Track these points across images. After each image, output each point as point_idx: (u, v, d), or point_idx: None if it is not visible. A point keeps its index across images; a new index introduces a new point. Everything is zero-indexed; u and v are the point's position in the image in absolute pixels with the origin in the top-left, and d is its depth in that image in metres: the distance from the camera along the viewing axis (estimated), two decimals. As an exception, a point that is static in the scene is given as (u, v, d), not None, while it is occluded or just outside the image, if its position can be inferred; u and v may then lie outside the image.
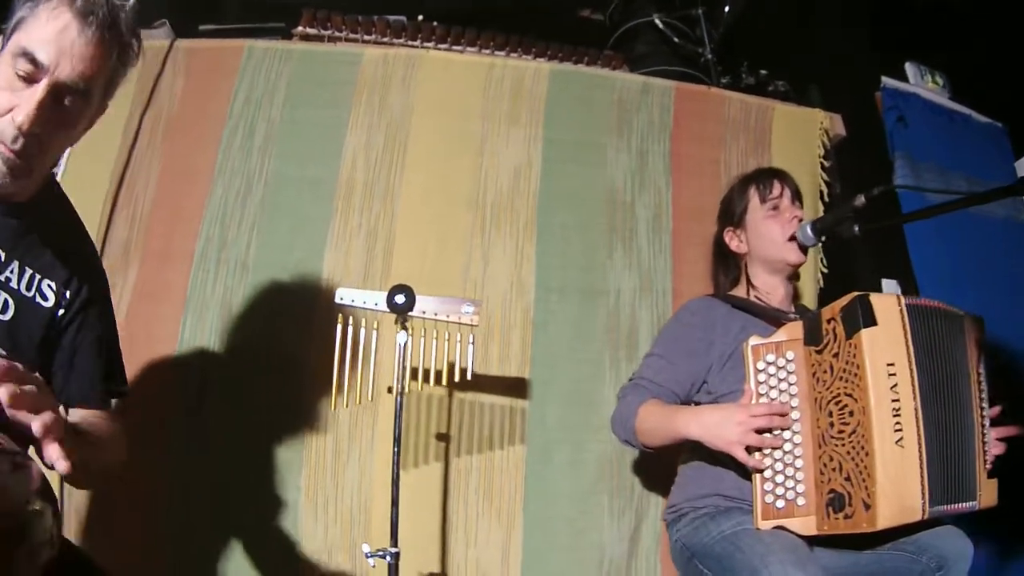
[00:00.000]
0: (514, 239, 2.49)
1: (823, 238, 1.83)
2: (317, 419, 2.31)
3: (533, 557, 2.24)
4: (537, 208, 2.51)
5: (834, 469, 1.51)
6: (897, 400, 1.47)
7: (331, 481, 2.30)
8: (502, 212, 2.51)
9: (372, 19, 2.80)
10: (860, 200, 1.67)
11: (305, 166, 2.55)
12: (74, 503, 2.29)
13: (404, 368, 1.88)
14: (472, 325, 1.95)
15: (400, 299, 1.84)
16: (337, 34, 2.74)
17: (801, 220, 1.92)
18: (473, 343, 1.99)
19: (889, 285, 2.81)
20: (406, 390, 1.88)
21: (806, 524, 1.55)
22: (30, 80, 1.21)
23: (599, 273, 2.47)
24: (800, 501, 1.56)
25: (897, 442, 1.45)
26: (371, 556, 1.78)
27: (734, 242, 2.05)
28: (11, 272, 1.31)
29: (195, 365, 2.38)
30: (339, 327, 1.96)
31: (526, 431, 2.32)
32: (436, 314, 1.94)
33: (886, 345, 1.50)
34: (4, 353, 1.26)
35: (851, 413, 1.49)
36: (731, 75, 3.04)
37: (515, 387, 2.34)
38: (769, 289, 2.00)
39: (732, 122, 2.64)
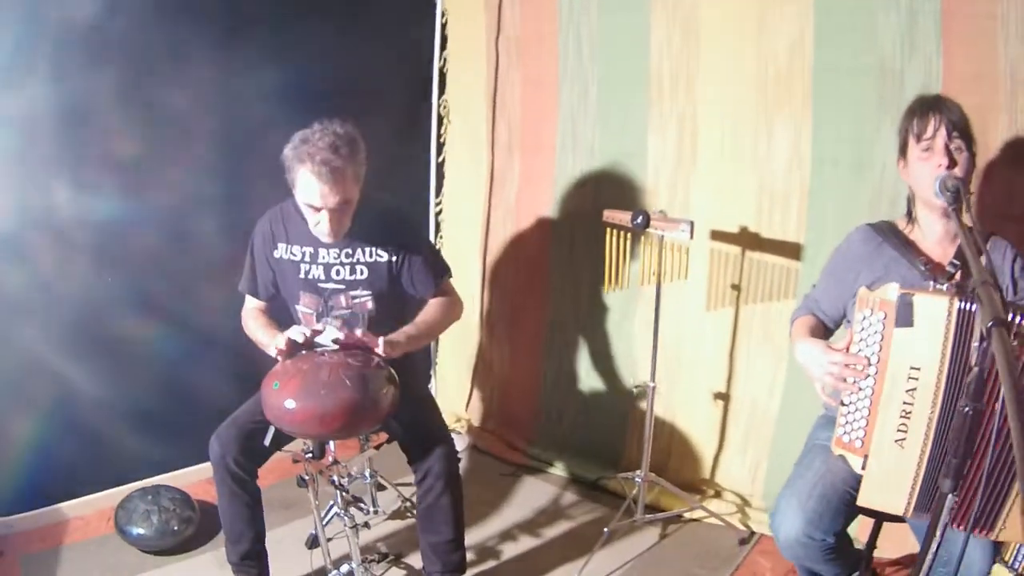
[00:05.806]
0: (792, 115, 2.68)
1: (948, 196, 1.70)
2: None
3: (792, 390, 2.80)
4: (812, 83, 2.61)
5: (873, 431, 1.66)
6: (910, 404, 1.57)
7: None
8: (781, 89, 2.69)
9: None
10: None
11: (623, 65, 3.10)
12: (490, 325, 3.61)
13: (660, 266, 2.68)
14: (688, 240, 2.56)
15: (639, 220, 2.59)
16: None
17: (949, 166, 1.78)
18: (687, 253, 2.68)
19: None
20: (663, 281, 2.69)
21: (857, 463, 1.71)
22: (317, 210, 2.17)
23: (866, 147, 2.52)
24: (857, 444, 1.70)
25: (897, 441, 1.59)
26: (636, 388, 2.78)
27: (903, 174, 1.95)
28: (360, 253, 2.35)
29: (566, 228, 3.38)
30: (608, 237, 2.77)
31: (798, 288, 2.73)
32: (661, 231, 2.60)
33: (917, 350, 1.56)
34: (370, 292, 2.37)
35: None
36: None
37: (791, 250, 2.75)
38: (926, 226, 1.94)
39: (1010, -33, 2.22)
